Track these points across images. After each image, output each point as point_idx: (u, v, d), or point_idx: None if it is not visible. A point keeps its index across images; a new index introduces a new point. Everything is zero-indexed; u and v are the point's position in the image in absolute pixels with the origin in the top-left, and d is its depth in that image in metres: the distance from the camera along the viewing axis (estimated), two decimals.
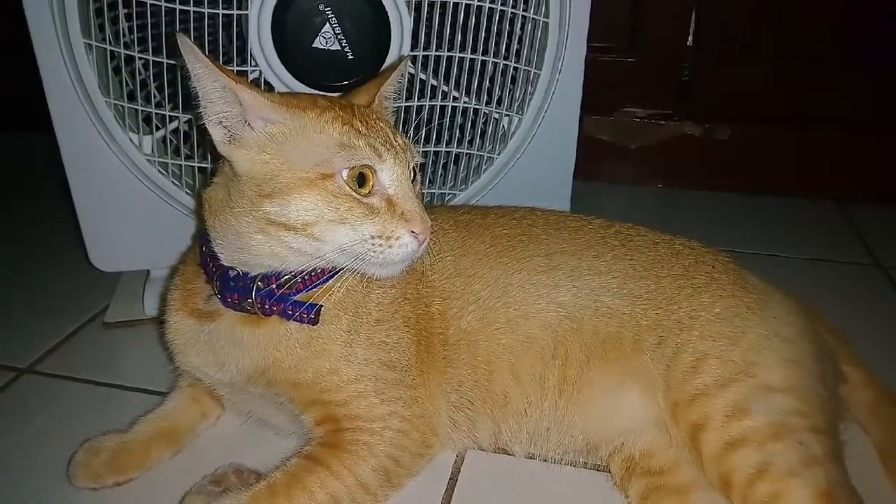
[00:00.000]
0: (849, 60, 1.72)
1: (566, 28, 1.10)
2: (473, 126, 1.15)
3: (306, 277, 0.81)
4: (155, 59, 1.00)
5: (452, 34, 1.06)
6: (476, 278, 0.91)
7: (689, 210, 1.80)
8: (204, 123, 0.77)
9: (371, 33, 1.02)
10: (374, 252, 0.76)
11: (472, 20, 1.05)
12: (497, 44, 1.09)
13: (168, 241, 1.13)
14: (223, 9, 0.98)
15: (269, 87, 1.04)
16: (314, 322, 0.82)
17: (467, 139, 1.16)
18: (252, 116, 0.76)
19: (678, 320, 0.86)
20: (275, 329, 0.83)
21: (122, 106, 1.06)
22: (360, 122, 0.79)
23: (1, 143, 2.22)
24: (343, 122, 0.78)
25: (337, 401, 0.84)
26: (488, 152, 1.18)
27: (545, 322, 0.89)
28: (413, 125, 1.08)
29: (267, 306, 0.82)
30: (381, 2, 1.01)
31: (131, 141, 1.08)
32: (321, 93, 1.00)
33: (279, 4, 0.98)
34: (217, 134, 0.77)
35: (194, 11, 0.97)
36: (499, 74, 1.11)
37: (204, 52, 0.73)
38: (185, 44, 0.72)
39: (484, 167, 1.19)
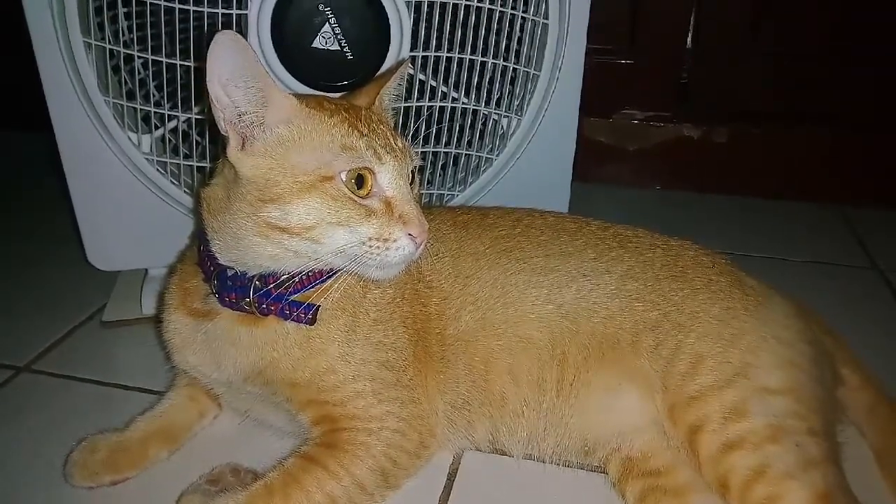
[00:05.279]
0: (848, 61, 1.72)
1: (565, 29, 1.10)
2: (472, 127, 1.15)
3: (304, 277, 0.81)
4: (154, 58, 1.00)
5: (452, 35, 1.06)
6: (474, 279, 0.91)
7: (688, 212, 1.80)
8: (221, 127, 0.76)
9: (370, 33, 1.02)
10: (372, 254, 0.76)
11: (472, 21, 1.05)
12: (496, 45, 1.09)
13: (166, 240, 1.13)
14: (223, 8, 0.98)
15: None
16: (311, 322, 0.82)
17: (466, 140, 1.16)
18: (272, 119, 0.76)
19: (676, 322, 0.86)
20: (272, 329, 0.83)
21: (120, 105, 1.06)
22: (363, 123, 0.79)
23: (0, 138, 2.22)
24: (348, 124, 0.78)
25: (334, 400, 0.83)
26: (487, 153, 1.18)
27: (543, 323, 0.89)
28: (412, 126, 1.08)
29: (264, 306, 0.82)
30: (380, 2, 1.01)
31: (130, 140, 1.07)
32: (321, 94, 1.00)
33: (279, 4, 0.98)
34: (234, 139, 0.77)
35: (194, 11, 0.97)
36: (498, 75, 1.11)
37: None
38: (234, 40, 0.71)
39: (483, 168, 1.19)
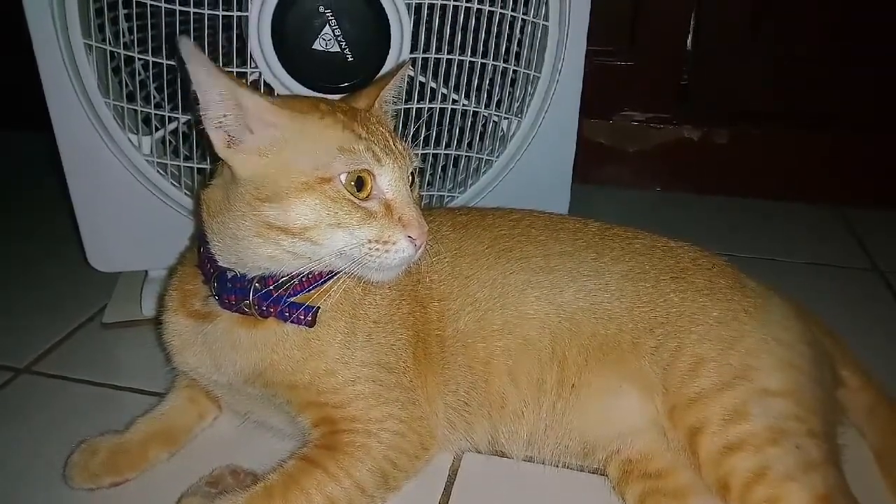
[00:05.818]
0: (848, 61, 1.72)
1: (566, 31, 1.10)
2: (473, 128, 1.15)
3: (304, 279, 0.81)
4: (154, 59, 1.00)
5: (452, 37, 1.06)
6: (474, 280, 0.91)
7: (688, 213, 1.80)
8: (204, 127, 0.77)
9: (371, 35, 1.02)
10: (371, 256, 0.76)
11: (472, 23, 1.05)
12: (497, 46, 1.09)
13: (166, 241, 1.13)
14: (223, 10, 0.98)
15: (269, 89, 1.04)
16: (311, 324, 0.82)
17: (466, 141, 1.16)
18: (253, 121, 0.76)
19: (676, 323, 0.86)
20: (272, 331, 0.83)
21: (121, 106, 1.06)
22: (361, 126, 0.79)
23: (1, 139, 2.22)
24: (344, 126, 0.78)
25: (334, 402, 0.83)
26: (487, 154, 1.18)
27: (543, 324, 0.89)
28: (413, 128, 1.08)
29: (264, 308, 0.82)
30: (381, 4, 1.01)
31: (130, 141, 1.07)
32: (322, 95, 1.00)
33: (279, 6, 0.98)
34: (217, 138, 0.77)
35: (194, 13, 0.97)
36: (498, 77, 1.11)
37: (205, 55, 0.72)
38: (187, 47, 0.72)
39: (483, 169, 1.19)
